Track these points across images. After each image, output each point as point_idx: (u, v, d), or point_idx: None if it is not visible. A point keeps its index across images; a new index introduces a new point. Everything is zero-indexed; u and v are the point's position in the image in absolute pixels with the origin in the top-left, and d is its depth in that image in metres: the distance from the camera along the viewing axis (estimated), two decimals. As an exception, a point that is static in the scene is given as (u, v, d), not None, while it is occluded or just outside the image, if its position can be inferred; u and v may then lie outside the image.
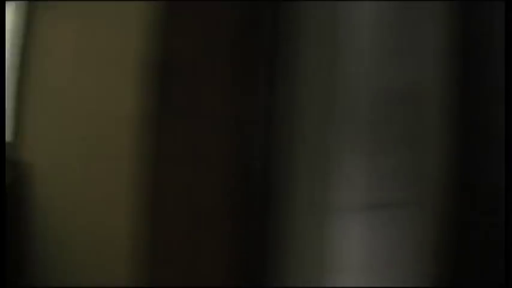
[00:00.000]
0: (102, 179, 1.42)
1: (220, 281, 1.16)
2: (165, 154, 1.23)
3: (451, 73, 1.40)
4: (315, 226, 1.26)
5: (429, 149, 1.42)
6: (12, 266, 1.66)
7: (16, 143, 1.85)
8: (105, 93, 1.45)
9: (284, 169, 1.18)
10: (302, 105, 1.23)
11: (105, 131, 1.43)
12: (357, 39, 1.25)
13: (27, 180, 1.74)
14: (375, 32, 1.28)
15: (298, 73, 1.21)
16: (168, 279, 1.19)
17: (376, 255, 1.34)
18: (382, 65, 1.32)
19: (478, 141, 1.43)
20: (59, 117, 1.64)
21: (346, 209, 1.28)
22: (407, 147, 1.37)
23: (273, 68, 1.18)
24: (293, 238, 1.26)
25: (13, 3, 2.06)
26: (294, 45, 1.19)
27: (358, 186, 1.29)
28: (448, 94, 1.41)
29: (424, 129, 1.41)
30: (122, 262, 1.27)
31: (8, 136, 1.87)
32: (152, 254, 1.20)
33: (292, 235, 1.26)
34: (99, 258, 1.39)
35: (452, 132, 1.42)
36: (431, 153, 1.42)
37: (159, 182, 1.22)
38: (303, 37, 1.21)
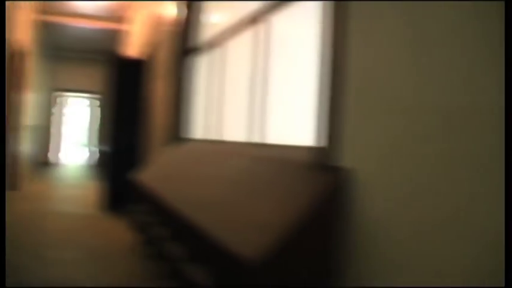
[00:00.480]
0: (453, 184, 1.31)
1: None
2: None
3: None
4: None
5: None
6: (331, 268, 1.77)
7: (332, 147, 1.87)
8: (450, 87, 1.34)
9: None
10: None
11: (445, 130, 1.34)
12: None
13: (348, 186, 1.74)
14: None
15: None
16: None
17: None
18: None
19: None
20: (385, 117, 1.60)
21: None
22: None
23: None
24: None
25: (319, 3, 2.21)
26: None
27: None
28: None
29: None
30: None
31: (322, 141, 1.95)
32: None
33: None
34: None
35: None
36: None
37: None
38: None
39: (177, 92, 4.43)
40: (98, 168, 11.10)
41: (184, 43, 4.45)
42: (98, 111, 12.91)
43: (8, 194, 6.20)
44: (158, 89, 5.26)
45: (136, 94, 6.46)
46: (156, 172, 3.94)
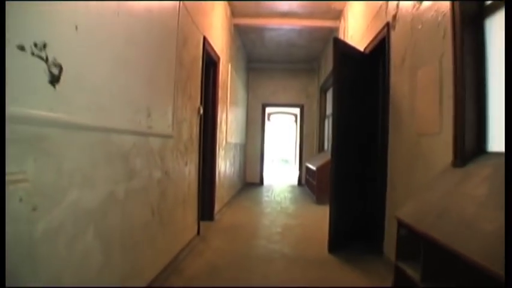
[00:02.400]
0: None
1: None
2: None
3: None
4: None
5: None
6: None
7: None
8: None
9: None
10: None
11: None
12: None
13: None
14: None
15: None
16: None
17: None
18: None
19: None
20: None
21: None
22: None
23: None
24: None
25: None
26: None
27: None
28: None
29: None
30: None
31: None
32: None
33: None
34: None
35: None
36: None
37: None
38: None
39: (458, 81, 2.59)
40: (310, 190, 9.76)
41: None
42: (303, 125, 11.68)
43: (203, 226, 5.07)
44: (418, 81, 3.46)
45: (372, 93, 4.88)
46: (438, 206, 2.20)
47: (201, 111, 4.66)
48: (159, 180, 3.18)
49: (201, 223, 5.04)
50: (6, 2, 1.36)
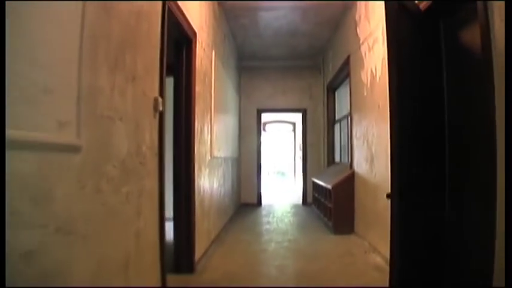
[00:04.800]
0: None
1: None
2: None
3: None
4: None
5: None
6: None
7: None
8: None
9: None
10: None
11: None
12: None
13: None
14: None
15: None
16: None
17: None
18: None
19: None
20: None
21: None
22: None
23: None
24: None
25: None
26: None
27: None
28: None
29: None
30: None
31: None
32: None
33: None
34: None
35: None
36: None
37: None
38: None
39: None
40: (320, 212, 7.85)
41: None
42: (306, 133, 9.80)
43: (176, 285, 3.19)
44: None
45: (435, 64, 3.10)
46: None
47: (161, 107, 2.80)
48: (26, 253, 1.31)
49: (175, 279, 3.18)
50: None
